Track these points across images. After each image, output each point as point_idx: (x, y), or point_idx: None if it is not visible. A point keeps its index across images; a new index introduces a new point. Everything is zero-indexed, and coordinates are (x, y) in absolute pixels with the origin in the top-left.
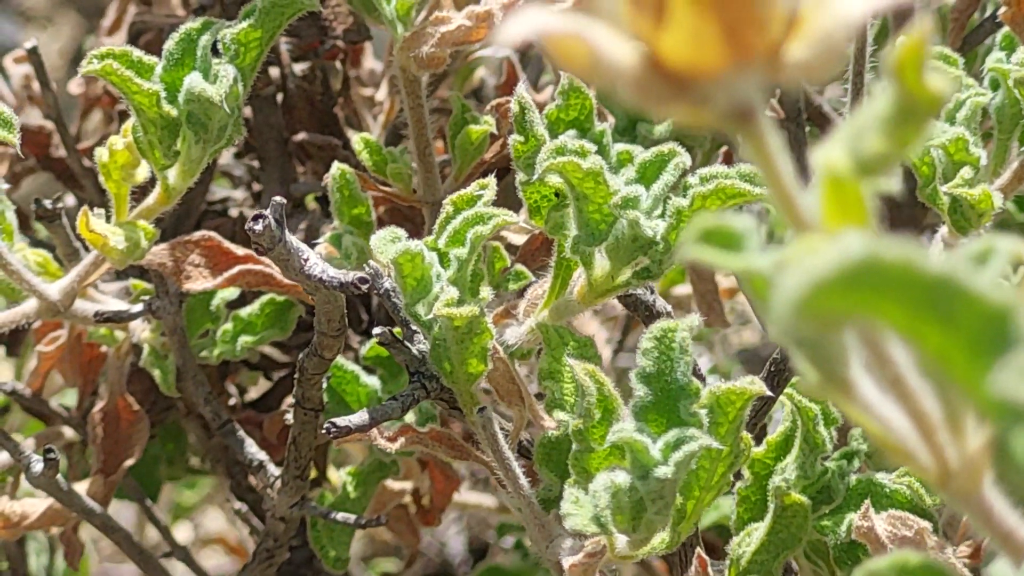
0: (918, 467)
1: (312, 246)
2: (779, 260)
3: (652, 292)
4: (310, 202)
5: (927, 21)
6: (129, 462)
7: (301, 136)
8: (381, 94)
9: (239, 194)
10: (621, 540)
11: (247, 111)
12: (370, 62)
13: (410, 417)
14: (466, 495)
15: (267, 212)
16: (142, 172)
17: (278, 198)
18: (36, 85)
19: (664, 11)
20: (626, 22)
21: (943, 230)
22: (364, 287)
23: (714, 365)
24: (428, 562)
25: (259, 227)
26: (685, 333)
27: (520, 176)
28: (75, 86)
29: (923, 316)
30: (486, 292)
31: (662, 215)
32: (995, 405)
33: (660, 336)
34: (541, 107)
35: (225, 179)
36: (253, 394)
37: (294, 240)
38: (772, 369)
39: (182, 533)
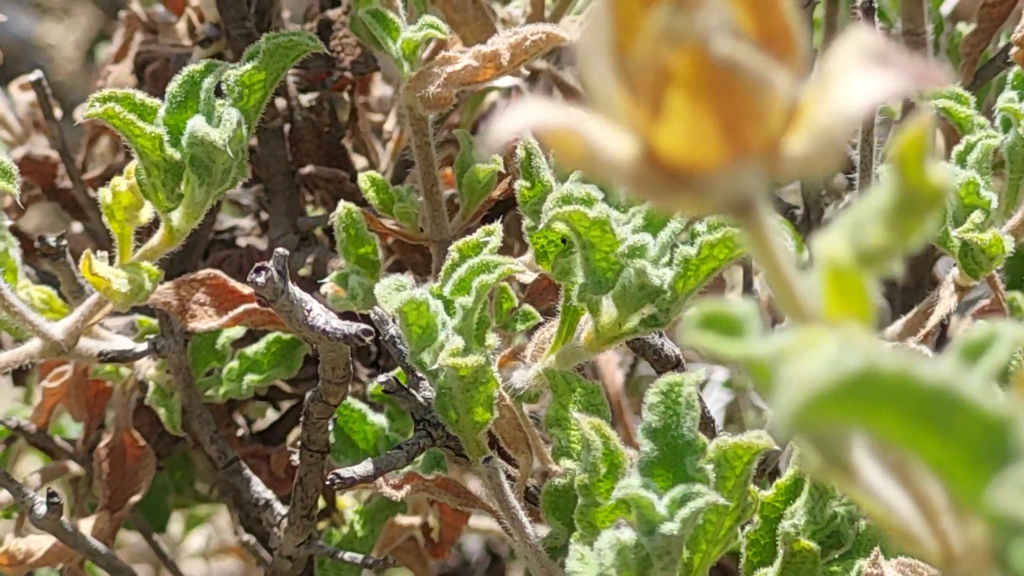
0: (921, 550)
1: (319, 282)
2: (779, 349)
3: (661, 335)
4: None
5: (928, 114)
6: (135, 498)
7: (308, 169)
8: (390, 123)
9: (247, 223)
10: None
11: (253, 141)
12: (379, 89)
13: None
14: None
15: (269, 264)
16: (146, 213)
17: (281, 249)
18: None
19: (661, 105)
20: (623, 115)
21: (954, 272)
22: (368, 339)
23: (729, 379)
24: (444, 562)
25: (262, 279)
26: (691, 388)
27: (527, 222)
28: (81, 113)
29: (921, 427)
30: (492, 339)
31: (669, 263)
32: (994, 518)
33: (666, 391)
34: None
35: (233, 206)
36: (261, 424)
37: (297, 291)
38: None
39: (196, 542)
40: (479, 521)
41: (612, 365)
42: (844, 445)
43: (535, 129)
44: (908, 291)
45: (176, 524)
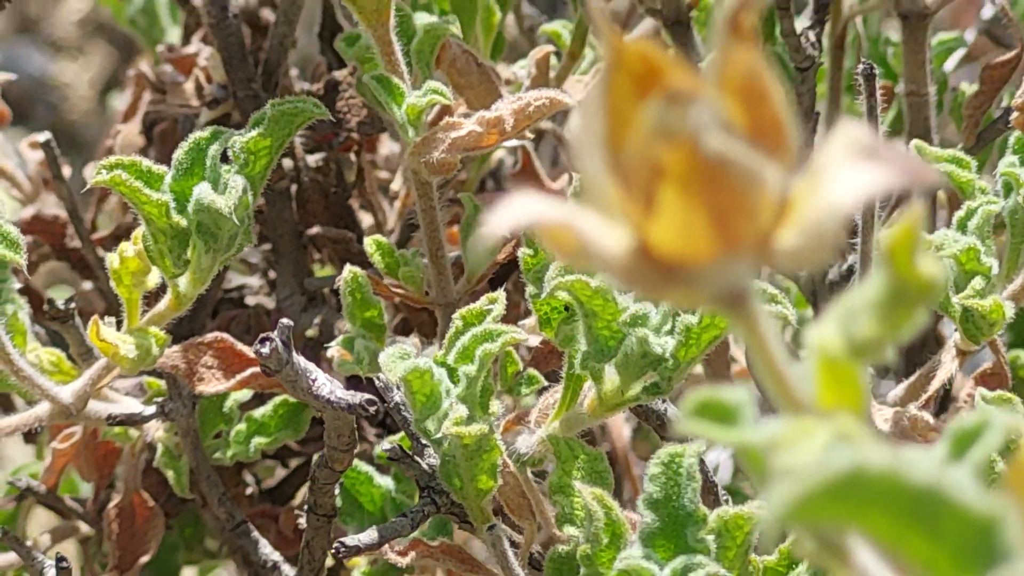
0: None
1: (326, 345)
2: (772, 438)
3: (664, 401)
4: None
5: (919, 206)
6: (144, 558)
7: (315, 230)
8: (397, 183)
9: (255, 281)
10: None
11: (260, 201)
12: (386, 147)
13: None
14: None
15: (274, 334)
16: (153, 278)
17: (285, 320)
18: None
19: (653, 199)
20: (616, 208)
21: (956, 336)
22: (372, 409)
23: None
24: None
25: (266, 350)
26: (692, 459)
27: (529, 289)
28: (90, 172)
29: (908, 527)
30: (496, 407)
31: (671, 332)
32: None
33: (667, 461)
34: (558, 195)
35: (241, 264)
36: (270, 481)
37: (301, 360)
38: None
39: None
40: None
41: (619, 419)
42: (838, 532)
43: (529, 224)
44: (912, 351)
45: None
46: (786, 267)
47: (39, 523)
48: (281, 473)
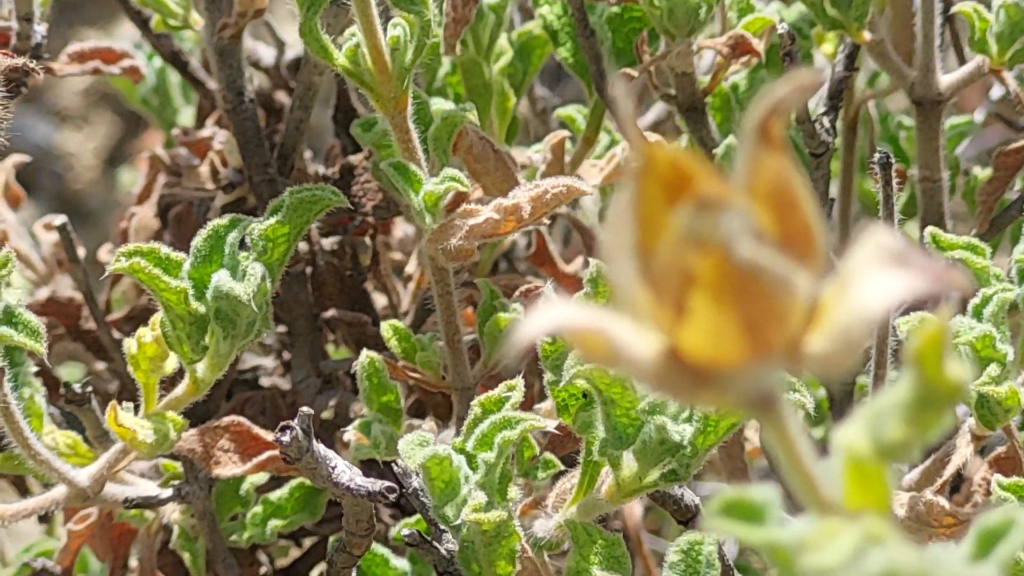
0: None
1: (341, 428)
2: (800, 538)
3: (681, 486)
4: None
5: (947, 311)
6: None
7: (331, 313)
8: (411, 266)
9: (269, 362)
10: None
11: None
12: (401, 229)
13: None
14: None
15: (294, 423)
16: (171, 364)
17: (305, 408)
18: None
19: (684, 305)
20: (646, 314)
21: (971, 422)
22: (392, 496)
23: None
24: None
25: (287, 439)
26: (712, 546)
27: (548, 376)
28: (105, 254)
29: None
30: (514, 493)
31: (689, 419)
32: None
33: (687, 549)
34: (571, 278)
35: (256, 346)
36: (284, 561)
37: (322, 448)
38: None
39: None
40: None
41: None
42: None
43: (562, 330)
44: None
45: None
46: (815, 372)
47: None
48: (295, 553)
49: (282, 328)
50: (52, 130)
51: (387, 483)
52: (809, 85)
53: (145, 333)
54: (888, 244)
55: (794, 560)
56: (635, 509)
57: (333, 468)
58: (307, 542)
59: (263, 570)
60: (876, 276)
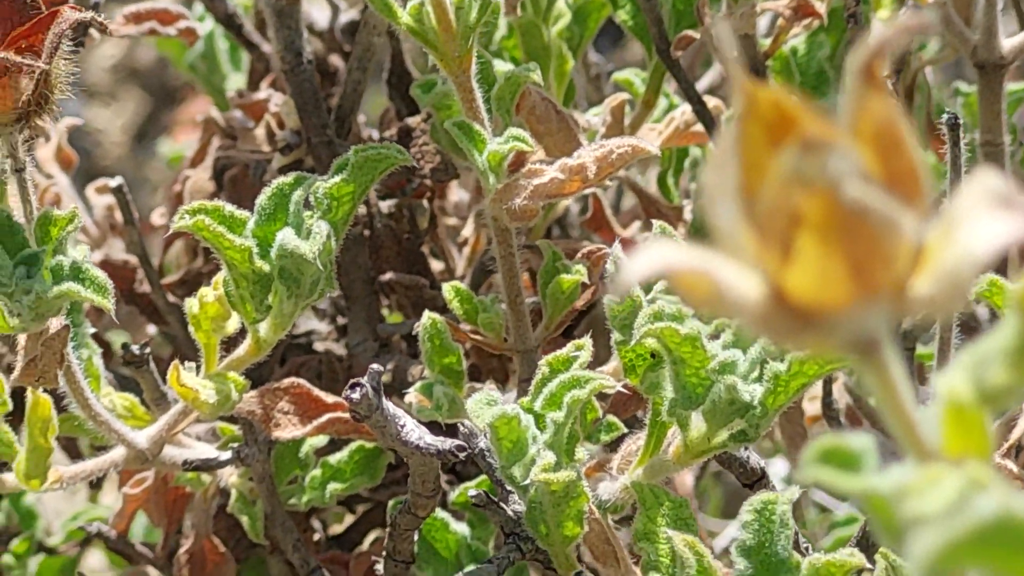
0: None
1: (400, 390)
2: (900, 486)
3: (746, 448)
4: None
5: None
6: None
7: (388, 275)
8: (467, 230)
9: (324, 327)
10: None
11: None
12: (456, 194)
13: None
14: None
15: (364, 380)
16: (232, 324)
17: (375, 366)
18: (119, 214)
19: (790, 247)
20: (751, 256)
21: None
22: (462, 455)
23: (788, 474)
24: None
25: (357, 396)
26: (786, 506)
27: (616, 336)
28: (158, 217)
29: None
30: (582, 453)
31: (759, 379)
32: None
33: (760, 509)
34: (627, 243)
35: (310, 310)
36: (336, 527)
37: (391, 406)
38: (865, 528)
39: None
40: None
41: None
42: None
43: (665, 271)
44: None
45: None
46: (919, 315)
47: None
48: (348, 519)
49: (336, 292)
50: (80, 106)
51: (457, 442)
52: (913, 27)
53: (207, 293)
54: (996, 186)
55: (893, 509)
56: (686, 478)
57: (402, 426)
58: (361, 508)
59: (316, 536)
60: (983, 218)
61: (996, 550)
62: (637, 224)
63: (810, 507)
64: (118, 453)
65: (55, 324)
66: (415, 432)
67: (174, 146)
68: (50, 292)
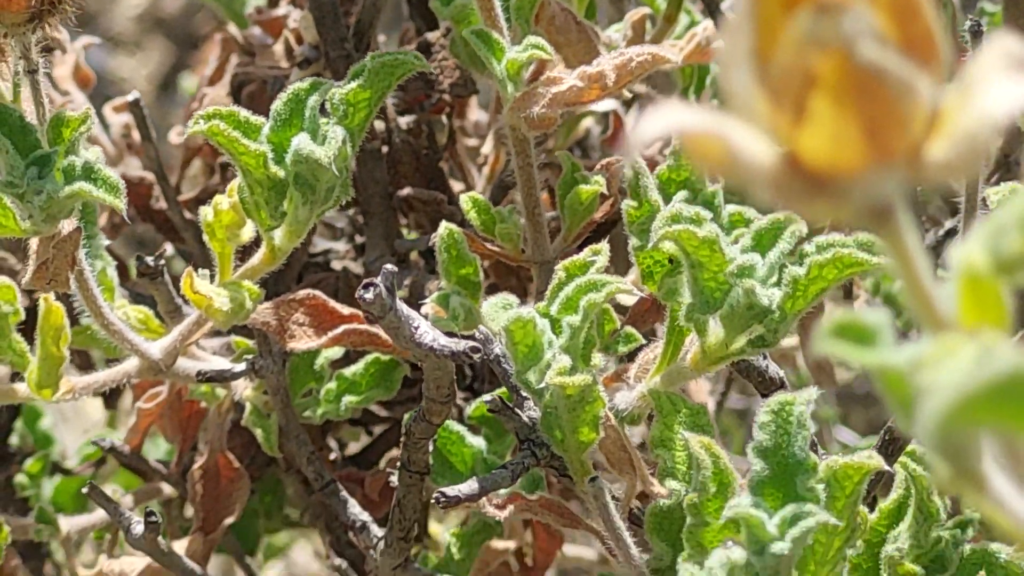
0: None
1: (418, 304)
2: (916, 358)
3: (765, 357)
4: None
5: None
6: (229, 520)
7: (406, 191)
8: (487, 147)
9: (341, 246)
10: None
11: (351, 163)
12: (475, 113)
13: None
14: (565, 548)
15: (378, 280)
16: (247, 232)
17: (389, 266)
18: (135, 134)
19: (804, 111)
20: (764, 120)
21: None
22: (476, 356)
23: (813, 411)
24: None
25: (370, 295)
26: (803, 407)
27: (633, 241)
28: (175, 136)
29: None
30: (598, 359)
31: (778, 283)
32: None
33: (778, 410)
34: (649, 162)
35: (327, 229)
36: (353, 447)
37: (404, 308)
38: (885, 438)
39: (272, 573)
40: (573, 550)
41: (703, 394)
42: (975, 455)
43: (678, 132)
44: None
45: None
46: (935, 179)
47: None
48: (365, 439)
49: (354, 211)
50: (105, 56)
51: (471, 343)
52: None
53: (222, 200)
54: (1013, 49)
55: (907, 381)
56: (702, 387)
57: (416, 328)
58: (378, 429)
59: (333, 455)
60: (1000, 81)
61: (1010, 407)
62: (657, 144)
63: (833, 443)
64: (131, 364)
65: (67, 227)
66: (429, 334)
67: (196, 81)
68: (61, 192)
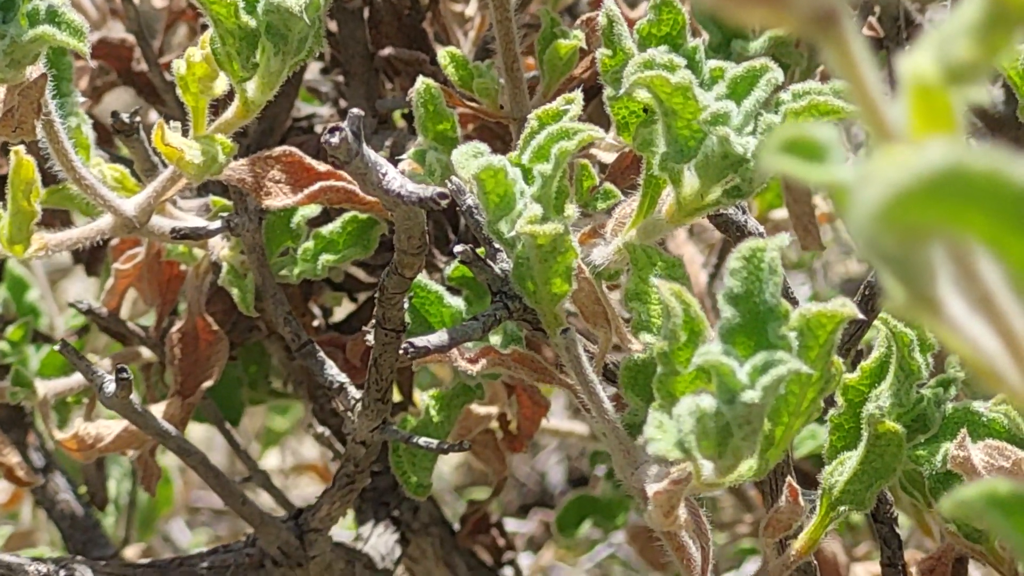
0: (1008, 390)
1: (396, 162)
2: (863, 172)
3: (744, 212)
4: (398, 119)
5: None
6: (207, 384)
7: (388, 51)
8: (471, 9)
9: (325, 111)
10: (707, 467)
11: (332, 25)
12: None
13: (495, 339)
14: (560, 423)
15: (344, 124)
16: (220, 85)
17: (356, 110)
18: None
19: None
20: None
21: None
22: (444, 202)
23: (814, 292)
24: (527, 492)
25: (335, 140)
26: (775, 253)
27: (607, 91)
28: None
29: (1009, 227)
30: (571, 210)
31: (753, 132)
32: None
33: (749, 256)
34: (634, 24)
35: (311, 95)
36: (338, 316)
37: (372, 154)
38: (866, 293)
39: (272, 460)
40: (560, 424)
41: (696, 266)
42: (929, 276)
43: None
44: None
45: (253, 445)
46: None
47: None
48: (349, 307)
49: (338, 76)
50: None
51: (439, 189)
52: None
53: (194, 52)
54: None
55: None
56: (700, 277)
57: (384, 175)
58: (361, 297)
59: (316, 322)
60: None
61: (947, 203)
62: (645, 5)
63: None
64: (105, 221)
65: (34, 74)
66: (396, 180)
67: None
68: (25, 36)
